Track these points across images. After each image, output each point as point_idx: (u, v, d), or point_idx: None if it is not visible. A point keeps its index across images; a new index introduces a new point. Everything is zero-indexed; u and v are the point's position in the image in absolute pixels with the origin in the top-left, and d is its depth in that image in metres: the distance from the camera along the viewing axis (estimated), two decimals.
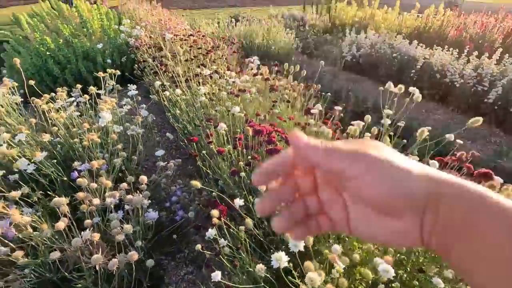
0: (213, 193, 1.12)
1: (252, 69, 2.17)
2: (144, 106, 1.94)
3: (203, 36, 2.95)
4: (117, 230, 0.98)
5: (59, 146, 1.61)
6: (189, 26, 3.90)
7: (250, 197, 1.16)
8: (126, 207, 1.14)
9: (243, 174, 1.15)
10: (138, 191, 1.20)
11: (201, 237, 1.54)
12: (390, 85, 1.24)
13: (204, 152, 1.32)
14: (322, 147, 0.23)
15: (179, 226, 1.53)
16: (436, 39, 4.79)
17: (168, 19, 4.07)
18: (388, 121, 1.24)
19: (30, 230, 0.92)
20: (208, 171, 1.31)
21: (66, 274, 0.99)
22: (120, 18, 5.01)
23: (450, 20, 5.09)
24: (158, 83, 1.67)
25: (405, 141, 1.41)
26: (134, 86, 2.08)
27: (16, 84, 1.81)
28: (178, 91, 1.52)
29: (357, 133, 1.17)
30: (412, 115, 2.32)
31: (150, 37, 3.17)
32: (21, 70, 1.96)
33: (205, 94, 1.61)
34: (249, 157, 1.28)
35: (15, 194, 0.98)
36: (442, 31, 5.01)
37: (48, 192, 1.43)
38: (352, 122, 1.14)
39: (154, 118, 2.25)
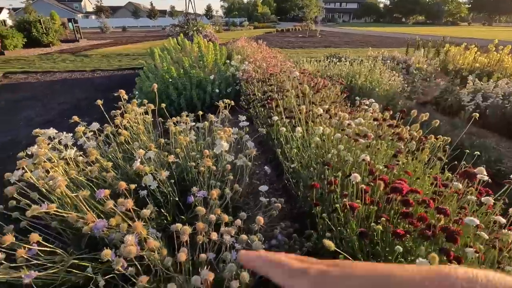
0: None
1: (365, 111, 2.01)
2: (247, 137, 1.96)
3: (309, 74, 2.95)
4: (230, 275, 0.89)
5: (174, 166, 1.71)
6: (294, 64, 4.02)
7: None
8: (237, 246, 1.07)
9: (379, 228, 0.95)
10: (246, 233, 1.12)
11: None
12: None
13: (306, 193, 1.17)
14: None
15: None
16: None
17: (273, 56, 4.31)
18: None
19: (157, 255, 0.92)
20: (327, 223, 1.15)
21: None
22: (230, 54, 5.60)
23: None
24: (275, 118, 1.66)
25: None
26: (244, 117, 2.16)
27: (153, 107, 2.06)
28: (299, 129, 1.46)
29: None
30: None
31: (257, 71, 3.35)
32: (156, 93, 2.24)
33: (320, 135, 1.51)
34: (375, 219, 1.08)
35: (146, 212, 1.02)
36: None
37: (162, 210, 1.49)
38: None
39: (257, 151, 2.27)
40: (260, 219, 1.05)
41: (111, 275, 1.06)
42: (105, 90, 5.51)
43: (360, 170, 1.33)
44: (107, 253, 0.83)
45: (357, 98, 2.53)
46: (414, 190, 1.10)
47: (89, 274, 1.04)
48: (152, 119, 2.08)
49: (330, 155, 1.43)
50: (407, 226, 1.10)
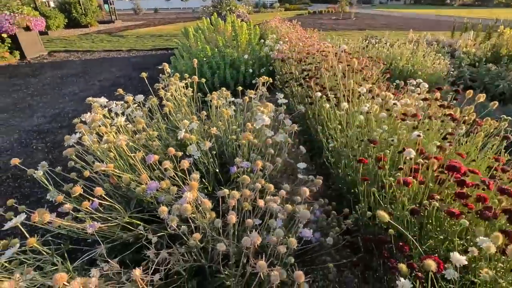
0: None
1: (413, 92, 1.90)
2: (283, 115, 1.94)
3: (349, 53, 2.83)
4: (277, 240, 0.91)
5: (214, 139, 1.75)
6: (331, 44, 3.87)
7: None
8: (280, 215, 1.08)
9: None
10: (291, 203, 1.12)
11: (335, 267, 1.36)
12: None
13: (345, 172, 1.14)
14: None
15: (311, 248, 1.40)
16: None
17: (310, 36, 4.17)
18: None
19: (208, 216, 0.96)
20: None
21: (220, 266, 0.99)
22: (263, 34, 5.50)
23: None
24: (318, 94, 1.62)
25: None
26: (282, 95, 2.13)
27: (197, 79, 2.10)
28: (345, 104, 1.41)
29: None
30: None
31: (294, 51, 3.27)
32: (196, 69, 2.27)
33: (365, 113, 1.46)
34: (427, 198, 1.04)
35: (196, 176, 1.06)
36: None
37: (203, 179, 1.54)
38: None
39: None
40: (306, 190, 1.05)
41: (161, 234, 1.13)
42: (141, 69, 5.68)
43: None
44: (163, 210, 0.88)
45: (397, 81, 2.38)
46: (472, 170, 1.04)
47: (141, 232, 1.12)
48: (192, 94, 2.13)
49: (375, 133, 1.38)
50: (458, 207, 1.05)
